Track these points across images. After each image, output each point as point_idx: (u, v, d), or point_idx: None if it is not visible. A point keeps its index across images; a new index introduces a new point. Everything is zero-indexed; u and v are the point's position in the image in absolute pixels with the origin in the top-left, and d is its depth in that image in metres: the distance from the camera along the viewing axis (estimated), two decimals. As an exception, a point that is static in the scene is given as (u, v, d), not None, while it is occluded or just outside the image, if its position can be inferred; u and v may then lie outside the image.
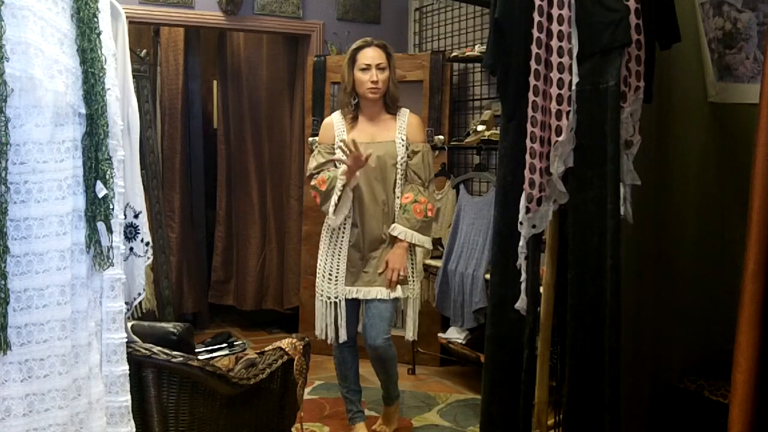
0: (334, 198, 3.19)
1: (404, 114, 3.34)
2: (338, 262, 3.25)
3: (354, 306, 3.31)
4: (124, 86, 2.08)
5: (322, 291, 3.30)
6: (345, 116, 3.33)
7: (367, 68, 3.22)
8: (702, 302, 2.65)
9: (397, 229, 3.23)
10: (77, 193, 1.78)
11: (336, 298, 3.26)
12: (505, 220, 2.49)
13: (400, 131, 3.30)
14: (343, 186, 3.17)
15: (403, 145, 3.28)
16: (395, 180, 3.28)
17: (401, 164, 3.27)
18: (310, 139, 4.57)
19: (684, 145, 2.65)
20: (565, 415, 2.39)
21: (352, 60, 3.26)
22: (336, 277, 3.26)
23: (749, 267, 1.78)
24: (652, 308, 2.67)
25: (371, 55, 3.23)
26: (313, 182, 3.29)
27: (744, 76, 2.49)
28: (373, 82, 3.21)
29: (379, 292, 3.23)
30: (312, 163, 3.32)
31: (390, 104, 3.32)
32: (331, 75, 4.79)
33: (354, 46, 3.31)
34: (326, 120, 3.42)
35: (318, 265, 3.35)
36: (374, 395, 3.79)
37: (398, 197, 3.27)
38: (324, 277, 3.29)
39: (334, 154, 3.26)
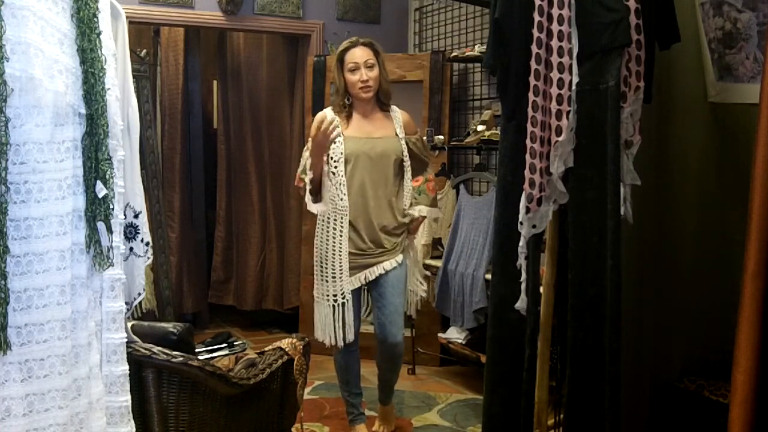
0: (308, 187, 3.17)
1: (396, 111, 3.39)
2: (340, 261, 3.22)
3: (357, 303, 3.30)
4: (124, 86, 2.08)
5: (326, 293, 3.25)
6: (339, 114, 3.30)
7: (356, 68, 3.22)
8: (702, 302, 2.65)
9: (417, 209, 3.35)
10: (77, 193, 1.78)
11: (343, 298, 3.22)
12: (505, 220, 2.49)
13: (398, 128, 3.34)
14: (311, 179, 3.15)
15: (402, 140, 3.33)
16: (396, 175, 3.31)
17: (405, 159, 3.32)
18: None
19: (684, 145, 2.65)
20: (565, 415, 2.39)
21: (340, 62, 3.26)
22: (341, 275, 3.22)
23: (749, 267, 1.78)
24: (652, 308, 2.67)
25: (359, 55, 3.23)
26: (303, 191, 3.26)
27: (744, 76, 2.49)
28: (363, 81, 3.22)
29: (389, 263, 3.26)
30: (302, 164, 3.29)
31: (384, 101, 3.34)
32: (331, 75, 4.77)
33: (341, 47, 3.30)
34: (319, 115, 3.28)
35: (316, 267, 3.31)
36: (374, 395, 3.79)
37: (407, 190, 3.34)
38: (326, 279, 3.25)
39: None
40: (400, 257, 3.28)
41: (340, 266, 3.23)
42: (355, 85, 3.23)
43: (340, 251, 3.23)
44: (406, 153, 3.33)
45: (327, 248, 3.25)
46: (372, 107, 3.33)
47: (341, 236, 3.23)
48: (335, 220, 3.23)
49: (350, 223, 3.22)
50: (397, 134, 3.33)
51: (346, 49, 3.26)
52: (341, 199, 3.21)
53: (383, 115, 3.35)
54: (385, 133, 3.31)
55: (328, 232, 3.25)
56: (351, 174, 3.22)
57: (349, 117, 3.30)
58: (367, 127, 3.31)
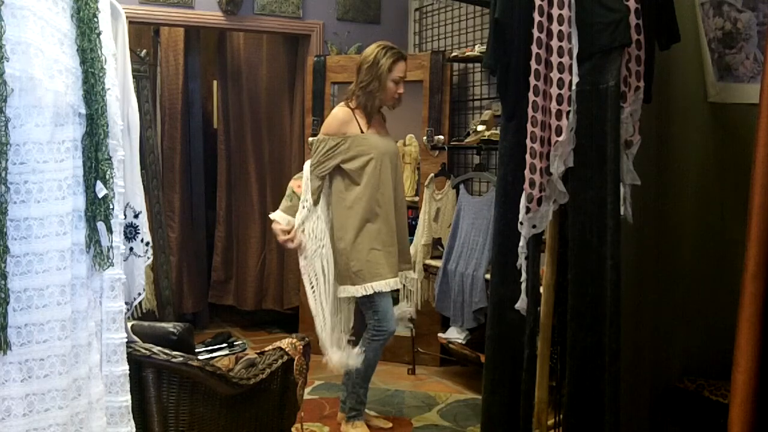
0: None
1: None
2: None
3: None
4: (124, 86, 2.08)
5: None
6: (356, 111, 3.38)
7: (399, 81, 3.38)
8: (702, 302, 2.66)
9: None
10: (77, 193, 1.78)
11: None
12: (505, 220, 2.49)
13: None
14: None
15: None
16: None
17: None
18: (311, 138, 4.57)
19: (684, 145, 2.65)
20: (565, 415, 2.39)
21: (389, 68, 3.34)
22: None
23: (749, 267, 1.78)
24: (652, 308, 2.67)
25: (403, 69, 3.40)
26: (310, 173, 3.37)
27: (744, 76, 2.49)
28: (399, 94, 3.40)
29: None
30: (317, 156, 3.36)
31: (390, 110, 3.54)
32: (331, 75, 4.78)
33: (392, 56, 3.37)
34: (342, 114, 3.39)
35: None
36: (376, 395, 3.80)
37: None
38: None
39: (339, 147, 3.31)
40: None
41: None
42: (393, 95, 3.39)
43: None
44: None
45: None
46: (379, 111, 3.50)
47: (375, 233, 3.33)
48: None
49: (382, 219, 3.33)
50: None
51: (399, 59, 3.37)
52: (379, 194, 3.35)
53: (381, 116, 3.53)
54: (386, 134, 3.49)
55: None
56: (378, 172, 3.34)
57: (369, 116, 3.39)
58: (376, 128, 3.43)
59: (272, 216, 3.42)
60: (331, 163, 3.32)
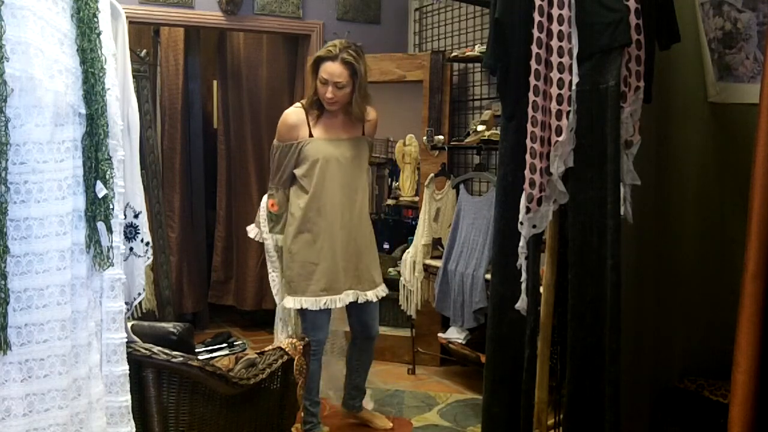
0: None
1: (369, 110, 3.34)
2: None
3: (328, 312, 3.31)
4: (124, 86, 2.08)
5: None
6: (309, 111, 3.24)
7: (325, 82, 3.14)
8: (702, 302, 2.66)
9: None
10: (77, 193, 1.78)
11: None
12: (505, 220, 2.49)
13: (364, 126, 3.34)
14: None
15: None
16: (366, 176, 3.35)
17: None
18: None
19: (684, 145, 2.65)
20: (565, 415, 2.39)
21: (314, 69, 3.18)
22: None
23: (749, 267, 1.78)
24: (652, 308, 2.67)
25: (330, 71, 3.11)
26: (271, 194, 3.29)
27: (744, 76, 2.49)
28: (328, 98, 3.16)
29: (374, 294, 3.36)
30: (274, 164, 3.29)
31: (356, 118, 3.28)
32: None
33: (320, 53, 3.20)
34: (290, 118, 3.25)
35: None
36: (376, 395, 3.79)
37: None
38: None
39: (288, 153, 3.21)
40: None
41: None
42: (322, 96, 3.18)
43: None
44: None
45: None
46: (341, 109, 3.26)
47: (321, 244, 3.22)
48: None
49: (323, 230, 3.21)
50: (363, 134, 3.34)
51: (324, 59, 3.14)
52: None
53: (351, 117, 3.30)
54: (353, 134, 3.30)
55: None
56: (321, 179, 3.19)
57: (320, 114, 3.24)
58: (336, 128, 3.27)
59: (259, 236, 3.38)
60: (287, 171, 3.23)
